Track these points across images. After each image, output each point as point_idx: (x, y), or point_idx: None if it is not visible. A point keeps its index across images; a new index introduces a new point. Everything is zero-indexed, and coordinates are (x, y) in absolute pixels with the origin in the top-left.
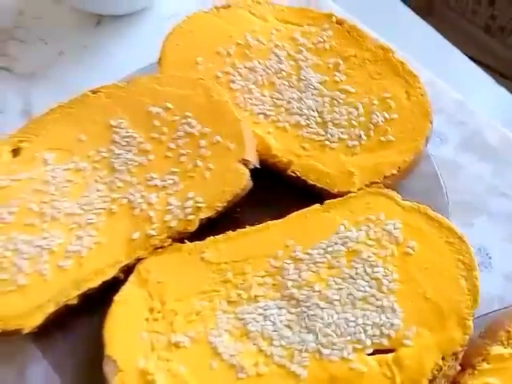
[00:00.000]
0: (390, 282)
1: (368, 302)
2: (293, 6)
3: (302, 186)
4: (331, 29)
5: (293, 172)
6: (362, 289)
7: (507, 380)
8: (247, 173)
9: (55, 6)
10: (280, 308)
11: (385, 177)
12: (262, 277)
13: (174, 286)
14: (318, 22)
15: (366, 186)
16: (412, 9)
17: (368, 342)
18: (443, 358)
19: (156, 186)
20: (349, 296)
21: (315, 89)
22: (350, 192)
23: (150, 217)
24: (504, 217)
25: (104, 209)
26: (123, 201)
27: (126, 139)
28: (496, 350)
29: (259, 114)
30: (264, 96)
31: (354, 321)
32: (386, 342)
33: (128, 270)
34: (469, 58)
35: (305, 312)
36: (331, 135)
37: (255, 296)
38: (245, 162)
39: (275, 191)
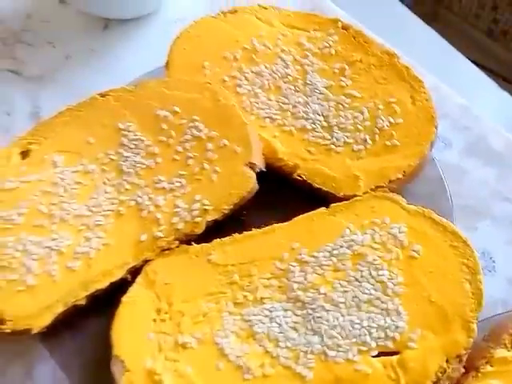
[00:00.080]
0: (394, 285)
1: (373, 305)
2: (299, 11)
3: (308, 190)
4: (337, 34)
5: (299, 175)
6: (368, 291)
7: (510, 382)
8: (254, 176)
9: (63, 9)
10: (286, 310)
11: (390, 181)
12: (268, 279)
13: (181, 287)
14: (324, 27)
15: (372, 189)
16: (416, 14)
17: (373, 344)
18: (447, 361)
19: (163, 188)
20: (354, 298)
21: (321, 93)
22: (355, 196)
23: (158, 219)
24: (508, 221)
25: (112, 211)
26: (131, 203)
27: (134, 142)
28: (499, 352)
29: (265, 117)
30: (270, 100)
31: (359, 323)
32: (390, 345)
33: (135, 272)
34: (472, 62)
35: (310, 314)
36: (337, 139)
37: (261, 298)
38: (251, 166)
39: (281, 194)
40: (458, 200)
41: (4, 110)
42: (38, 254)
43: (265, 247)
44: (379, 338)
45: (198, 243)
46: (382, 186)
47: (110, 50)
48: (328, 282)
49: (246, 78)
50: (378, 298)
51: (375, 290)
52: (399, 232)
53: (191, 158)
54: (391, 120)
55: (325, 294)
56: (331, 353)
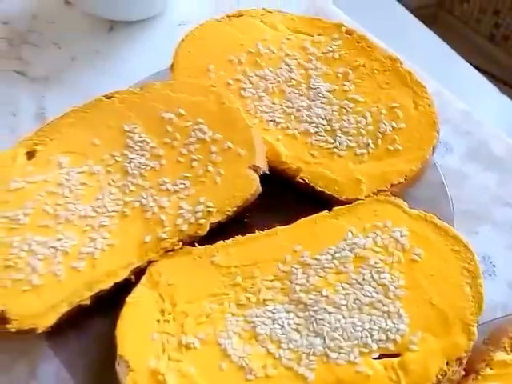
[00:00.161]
0: (396, 288)
1: (375, 308)
2: (303, 16)
3: (311, 193)
4: (341, 39)
5: (301, 178)
6: (369, 294)
7: None
8: (257, 179)
9: (68, 10)
10: (288, 312)
11: (392, 185)
12: (271, 281)
13: (184, 288)
14: (328, 31)
15: (374, 193)
16: (416, 17)
17: (374, 347)
18: (448, 363)
19: (168, 190)
20: (356, 301)
21: (324, 97)
22: (357, 199)
23: (162, 220)
24: (508, 226)
25: (117, 212)
26: (136, 204)
27: (139, 144)
28: (499, 356)
29: (269, 121)
30: (274, 104)
31: (360, 325)
32: (391, 347)
33: (139, 273)
34: (473, 66)
35: (313, 316)
36: (340, 143)
37: (264, 300)
38: (255, 168)
39: (284, 197)
40: (458, 205)
41: (9, 110)
42: (44, 254)
43: (268, 249)
44: (380, 340)
45: (201, 245)
46: (384, 190)
47: (115, 51)
48: (330, 284)
49: (251, 82)
50: (379, 301)
51: (377, 292)
52: (401, 235)
53: (195, 160)
54: (394, 125)
55: (327, 296)
56: (333, 354)
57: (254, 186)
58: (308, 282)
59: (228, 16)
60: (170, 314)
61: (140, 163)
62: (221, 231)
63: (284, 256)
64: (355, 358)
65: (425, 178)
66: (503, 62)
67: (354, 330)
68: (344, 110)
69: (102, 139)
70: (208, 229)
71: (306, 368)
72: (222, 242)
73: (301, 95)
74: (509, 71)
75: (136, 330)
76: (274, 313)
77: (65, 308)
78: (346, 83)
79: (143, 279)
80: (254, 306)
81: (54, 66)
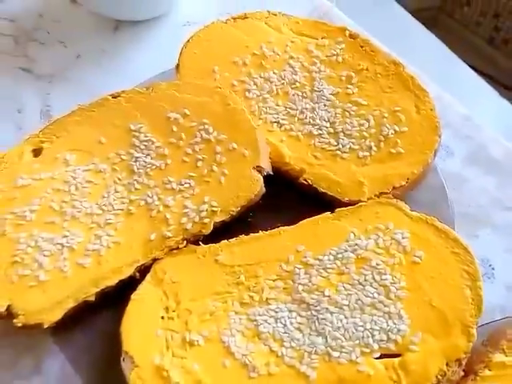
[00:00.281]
0: (397, 289)
1: (376, 308)
2: (308, 19)
3: (314, 194)
4: (344, 42)
5: (305, 180)
6: (371, 295)
7: None
8: (261, 179)
9: (74, 9)
10: (291, 311)
11: (394, 187)
12: (274, 280)
13: (188, 286)
14: (332, 35)
15: (376, 195)
16: (417, 20)
17: (375, 346)
18: (447, 364)
19: (173, 189)
20: (357, 301)
21: (328, 100)
22: (360, 201)
23: (167, 219)
24: (507, 229)
25: (122, 210)
26: (141, 202)
27: (144, 143)
28: (498, 357)
29: (273, 122)
30: (278, 105)
31: (362, 325)
32: (392, 347)
33: (144, 270)
34: (473, 69)
35: (315, 315)
36: (343, 145)
37: (267, 299)
38: (259, 169)
39: (287, 198)
40: (459, 208)
41: (15, 107)
42: (50, 251)
43: (271, 249)
44: (381, 340)
45: (205, 244)
46: (386, 193)
47: (120, 50)
48: (332, 284)
49: (255, 83)
50: (380, 302)
51: (378, 293)
52: (402, 238)
53: (200, 160)
54: (396, 128)
55: (329, 296)
56: (335, 353)
57: (258, 187)
58: (310, 281)
59: (233, 18)
60: (174, 311)
61: (145, 162)
62: (225, 230)
63: (287, 256)
64: (357, 357)
65: (426, 181)
66: (502, 65)
67: (356, 329)
68: (347, 113)
69: (108, 138)
70: (212, 228)
71: (308, 366)
72: (225, 241)
73: (304, 97)
74: (508, 74)
75: (141, 327)
76: (276, 312)
77: (70, 304)
78: (349, 86)
79: (148, 277)
80: (257, 305)
81: (59, 64)
